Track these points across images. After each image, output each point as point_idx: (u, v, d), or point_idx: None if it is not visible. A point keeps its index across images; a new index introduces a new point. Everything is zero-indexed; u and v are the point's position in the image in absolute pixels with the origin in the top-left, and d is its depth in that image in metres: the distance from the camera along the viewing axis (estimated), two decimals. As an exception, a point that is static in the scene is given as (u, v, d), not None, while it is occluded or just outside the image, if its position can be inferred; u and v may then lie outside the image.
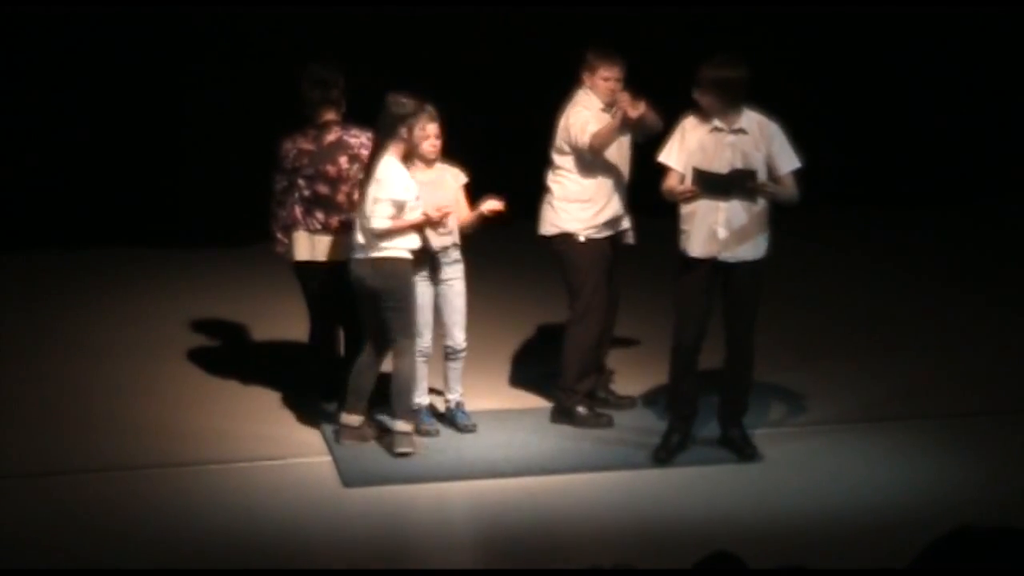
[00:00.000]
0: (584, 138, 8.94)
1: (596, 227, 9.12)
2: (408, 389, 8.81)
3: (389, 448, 8.81)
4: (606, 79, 9.02)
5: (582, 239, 9.12)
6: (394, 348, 8.75)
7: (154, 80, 12.51)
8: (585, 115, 8.99)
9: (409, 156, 8.72)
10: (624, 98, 8.84)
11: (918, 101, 13.62)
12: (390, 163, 8.64)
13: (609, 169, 9.10)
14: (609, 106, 9.01)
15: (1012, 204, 13.30)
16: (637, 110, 8.79)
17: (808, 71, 13.30)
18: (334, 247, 9.03)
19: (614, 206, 9.15)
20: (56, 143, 12.47)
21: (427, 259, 8.93)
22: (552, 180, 9.17)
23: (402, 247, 8.67)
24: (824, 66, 13.46)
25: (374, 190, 8.60)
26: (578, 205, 9.09)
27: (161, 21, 12.38)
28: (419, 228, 8.73)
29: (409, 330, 8.74)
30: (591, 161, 9.04)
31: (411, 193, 8.65)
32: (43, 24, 12.30)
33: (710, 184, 8.47)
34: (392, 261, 8.66)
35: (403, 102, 8.69)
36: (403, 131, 8.64)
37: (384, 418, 9.00)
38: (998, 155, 13.69)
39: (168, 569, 7.75)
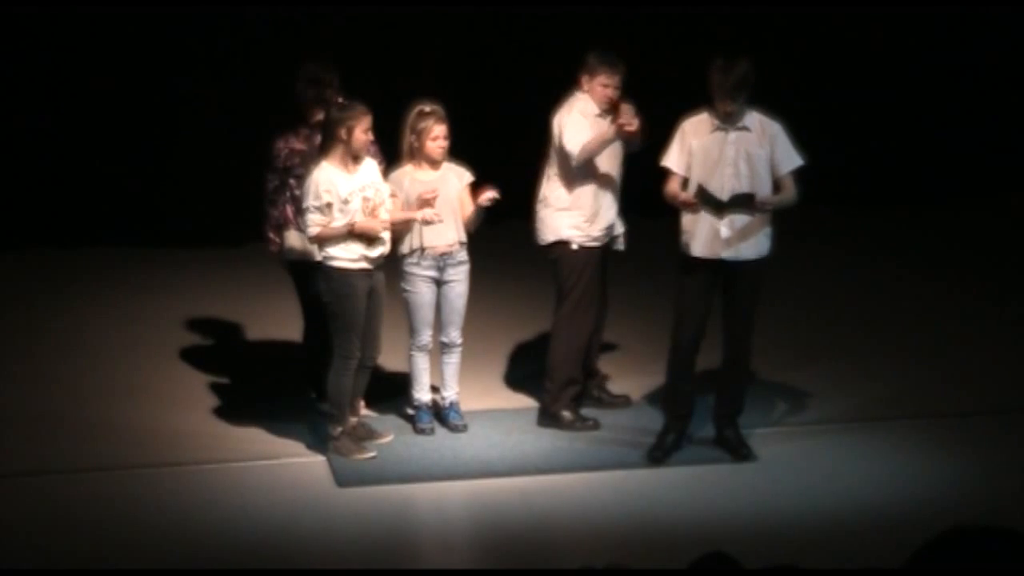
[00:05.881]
0: (574, 149, 8.89)
1: (590, 236, 9.10)
2: (336, 404, 8.75)
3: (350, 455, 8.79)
4: (605, 86, 8.95)
5: (575, 247, 9.10)
6: (333, 360, 8.71)
7: (147, 79, 12.48)
8: (581, 124, 8.92)
9: (356, 156, 8.54)
10: (626, 110, 8.79)
11: (917, 100, 13.60)
12: (320, 168, 8.53)
13: (602, 177, 9.05)
14: (605, 112, 8.97)
15: (1011, 203, 13.29)
16: (633, 125, 8.75)
17: (807, 71, 13.28)
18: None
19: (608, 214, 9.11)
20: (48, 142, 12.44)
21: (432, 259, 8.91)
22: (546, 189, 9.14)
23: (344, 256, 8.55)
24: (823, 65, 13.44)
25: (303, 201, 8.58)
26: (572, 214, 9.05)
27: (154, 19, 12.36)
28: (362, 234, 8.54)
29: (344, 348, 8.64)
30: (582, 170, 9.00)
31: (338, 192, 8.48)
32: (36, 24, 12.27)
33: (712, 203, 8.45)
34: (333, 271, 8.59)
35: (343, 103, 8.62)
36: (342, 132, 8.49)
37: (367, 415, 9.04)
38: (997, 154, 13.67)
39: (163, 569, 7.75)
